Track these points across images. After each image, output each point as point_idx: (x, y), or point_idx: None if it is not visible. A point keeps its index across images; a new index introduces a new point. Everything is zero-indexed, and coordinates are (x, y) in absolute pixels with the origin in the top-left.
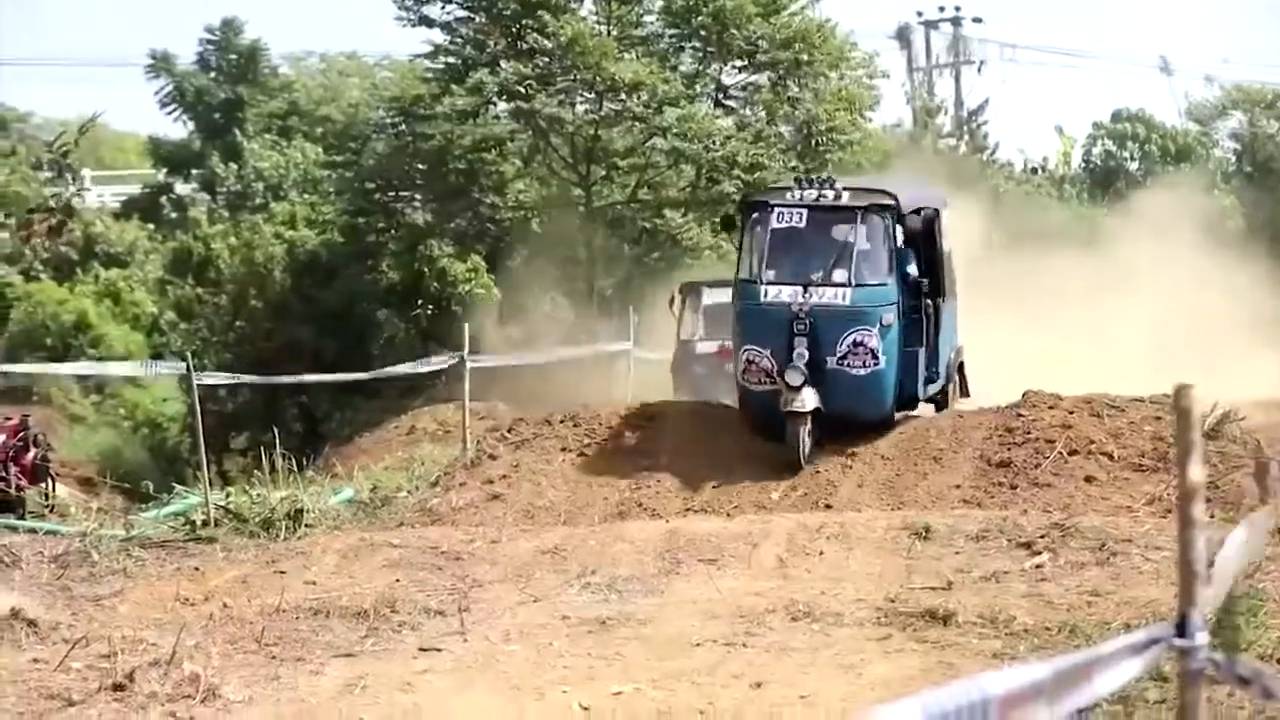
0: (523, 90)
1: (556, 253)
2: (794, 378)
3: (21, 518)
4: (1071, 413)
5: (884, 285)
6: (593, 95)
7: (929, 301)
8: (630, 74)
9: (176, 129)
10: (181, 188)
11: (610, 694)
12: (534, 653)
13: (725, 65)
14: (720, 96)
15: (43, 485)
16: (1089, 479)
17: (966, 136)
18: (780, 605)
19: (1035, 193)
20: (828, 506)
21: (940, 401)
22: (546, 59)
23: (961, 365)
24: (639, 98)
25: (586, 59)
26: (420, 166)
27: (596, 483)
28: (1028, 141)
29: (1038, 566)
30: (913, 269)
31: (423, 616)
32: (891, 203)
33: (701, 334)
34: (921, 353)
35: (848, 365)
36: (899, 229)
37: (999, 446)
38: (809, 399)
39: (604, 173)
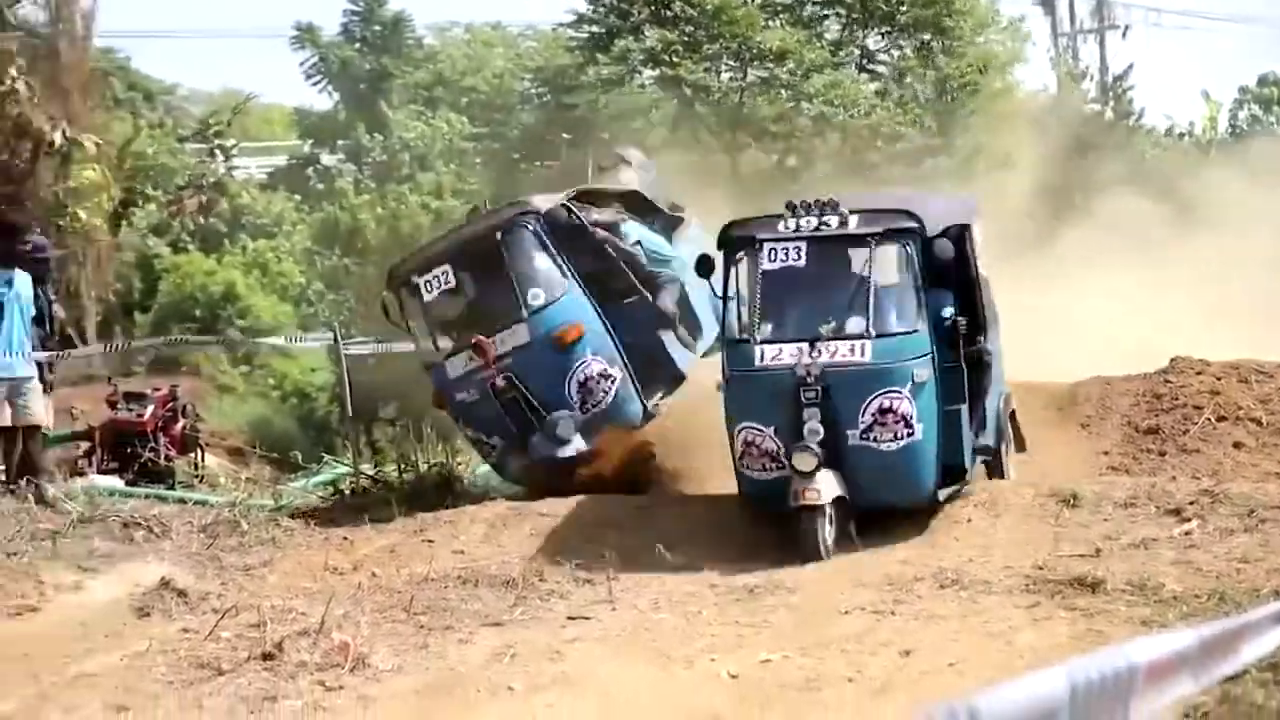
0: (668, 58)
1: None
2: (805, 461)
3: (171, 488)
4: (1219, 378)
5: (913, 332)
6: (738, 63)
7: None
8: (776, 41)
9: (322, 100)
10: (328, 159)
11: (758, 662)
12: (682, 621)
13: (869, 31)
14: (865, 62)
15: (192, 455)
16: (1237, 445)
17: (1111, 102)
18: (928, 573)
19: (1182, 159)
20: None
21: (991, 464)
22: (692, 26)
23: (1013, 414)
24: (785, 65)
25: (733, 28)
26: (566, 136)
27: None
28: (1173, 106)
29: (1186, 533)
30: (947, 305)
31: (571, 585)
32: (913, 224)
33: (441, 345)
34: (965, 411)
35: (875, 439)
36: (922, 255)
37: (1146, 413)
38: (826, 487)
39: (750, 141)
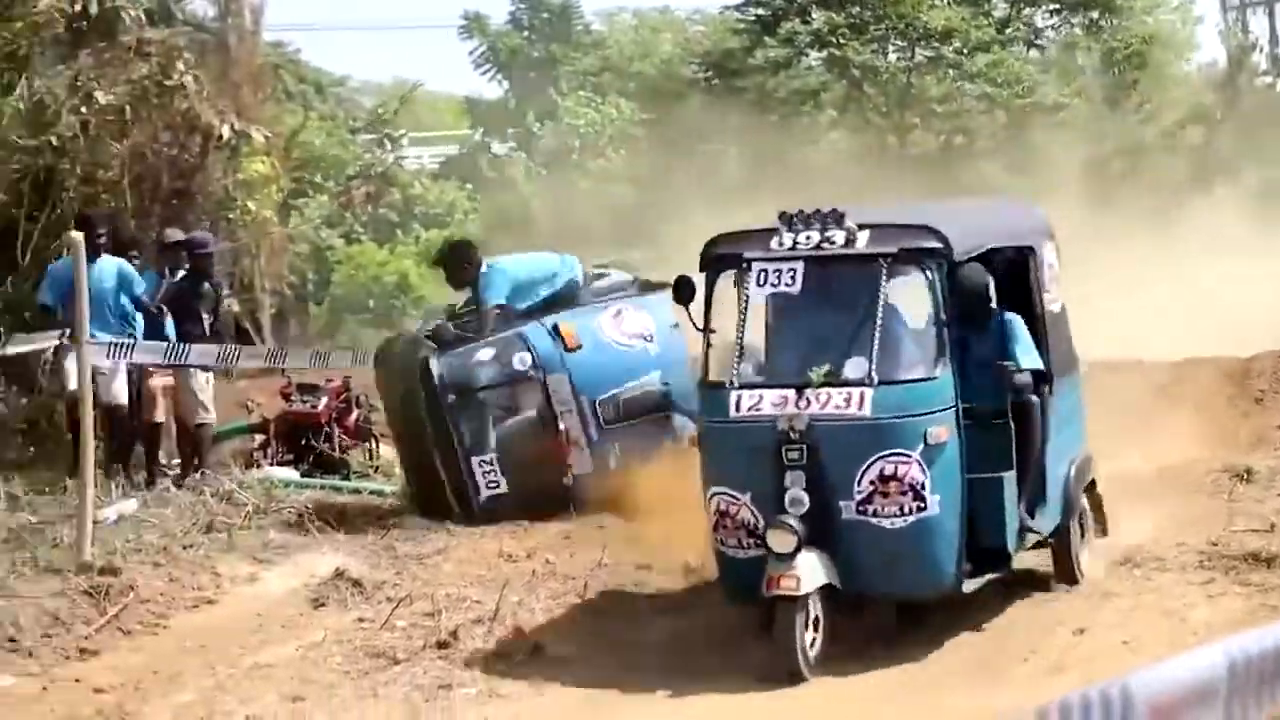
0: (835, 39)
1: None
2: (781, 539)
3: (346, 478)
4: None
5: (929, 380)
6: (905, 43)
7: (1029, 394)
8: (942, 21)
9: (492, 89)
10: (498, 147)
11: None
12: None
13: (1037, 9)
14: (1034, 39)
15: (366, 446)
16: None
17: None
18: (1101, 550)
19: None
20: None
21: (1059, 548)
22: (858, 6)
23: (1093, 484)
24: (951, 44)
25: (899, 7)
26: (734, 120)
27: None
28: None
29: None
30: (980, 341)
31: None
32: (936, 244)
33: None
34: (1011, 480)
35: (875, 513)
36: (948, 282)
37: None
38: (809, 573)
39: (918, 121)
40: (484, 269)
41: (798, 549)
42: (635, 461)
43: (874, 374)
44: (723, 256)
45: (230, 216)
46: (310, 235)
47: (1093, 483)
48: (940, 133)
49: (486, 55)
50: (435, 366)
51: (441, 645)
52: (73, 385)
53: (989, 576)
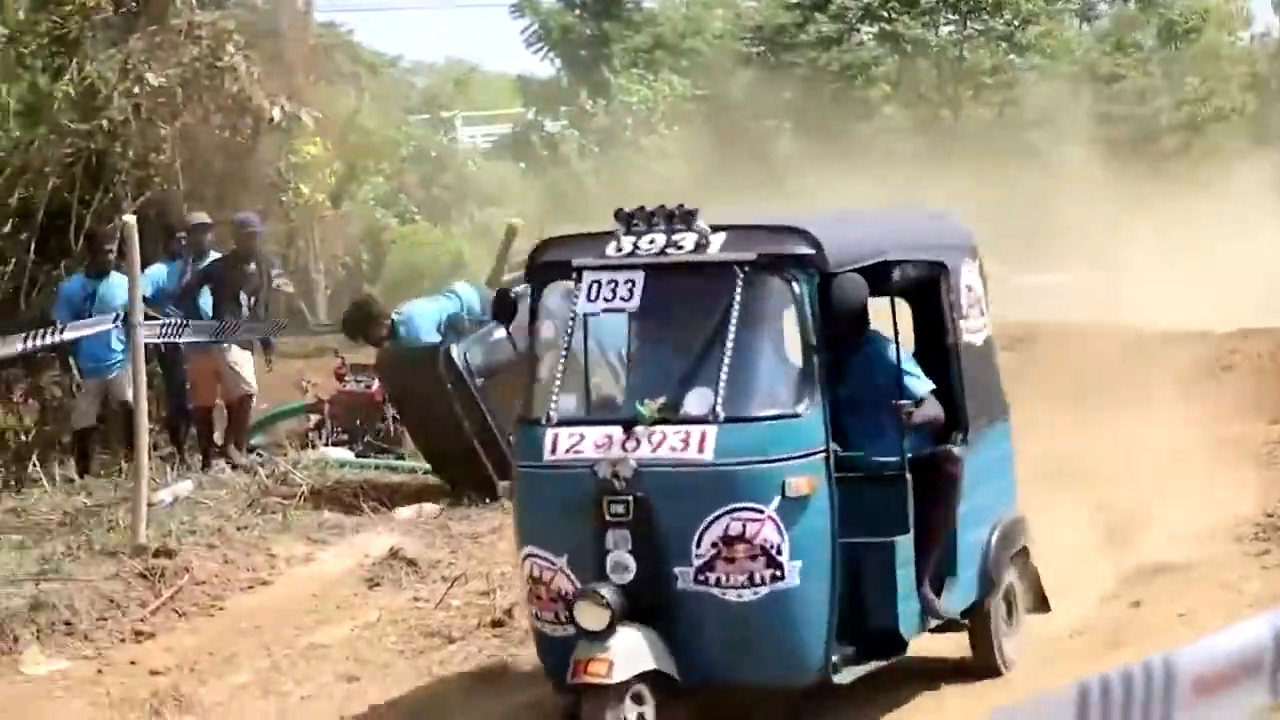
0: (886, 13)
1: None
2: (591, 614)
3: (400, 458)
4: None
5: (791, 417)
6: (956, 16)
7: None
8: None
9: (544, 67)
10: (551, 125)
11: None
12: None
13: None
14: (1087, 11)
15: None
16: None
17: None
18: (1157, 522)
19: None
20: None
21: (976, 631)
22: None
23: (1024, 552)
24: (1002, 17)
25: None
26: (786, 95)
27: None
28: None
29: None
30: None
31: None
32: (806, 250)
33: None
34: (905, 546)
35: (718, 583)
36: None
37: None
38: (626, 656)
39: (971, 93)
40: (399, 317)
41: (612, 625)
42: None
43: (719, 409)
44: (549, 265)
45: (283, 199)
46: (364, 216)
47: (1024, 550)
48: (993, 104)
49: (538, 34)
50: (457, 355)
51: (496, 624)
52: (83, 423)
53: (874, 665)
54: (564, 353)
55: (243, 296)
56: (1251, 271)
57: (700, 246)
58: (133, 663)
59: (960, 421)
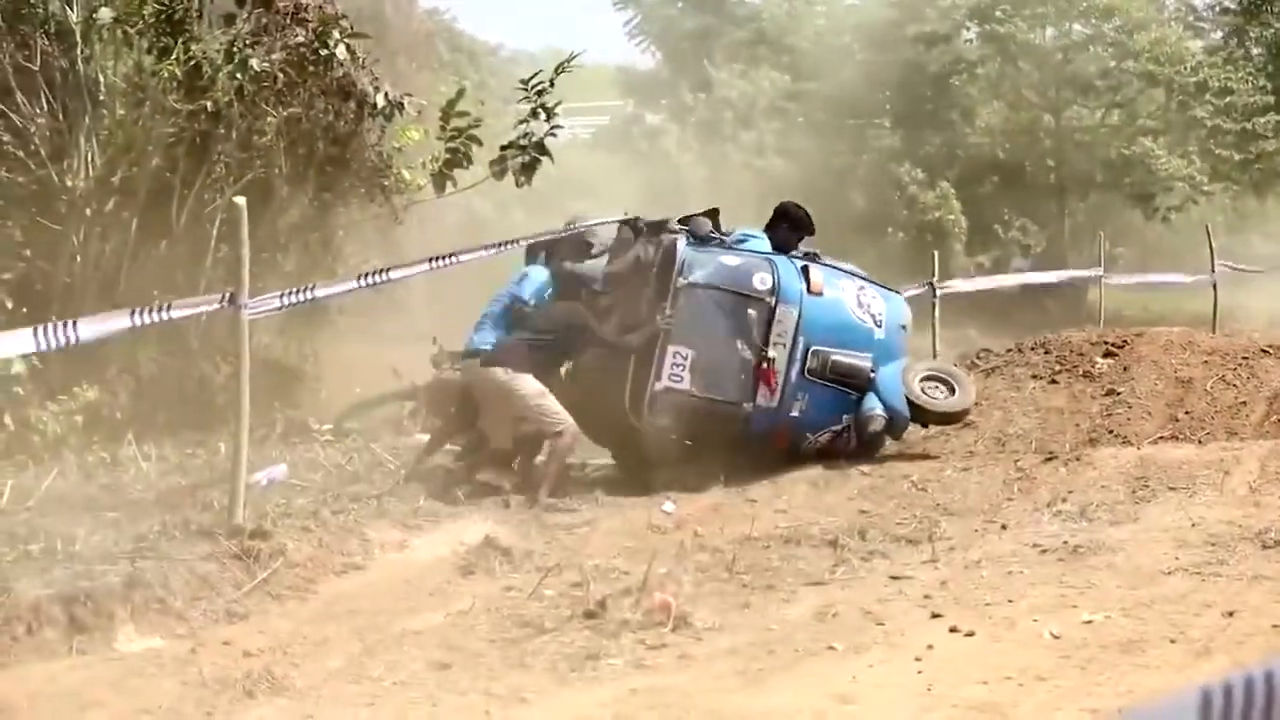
0: (994, 14)
1: (1025, 179)
2: None
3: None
4: None
5: None
6: (1064, 20)
7: None
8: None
9: (645, 60)
10: (651, 118)
11: (1080, 622)
12: (1004, 581)
13: None
14: (1191, 19)
15: None
16: None
17: None
18: (1252, 533)
19: None
20: None
21: None
22: None
23: None
24: (1111, 23)
25: None
26: (887, 92)
27: (1068, 409)
28: None
29: None
30: None
31: (893, 545)
32: None
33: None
34: None
35: None
36: None
37: None
38: None
39: (1074, 98)
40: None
41: None
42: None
43: None
44: None
45: (385, 184)
46: (466, 203)
47: None
48: (1097, 108)
49: (640, 26)
50: (680, 250)
51: (589, 615)
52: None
53: None
54: None
55: None
56: None
57: None
58: (226, 643)
59: None
